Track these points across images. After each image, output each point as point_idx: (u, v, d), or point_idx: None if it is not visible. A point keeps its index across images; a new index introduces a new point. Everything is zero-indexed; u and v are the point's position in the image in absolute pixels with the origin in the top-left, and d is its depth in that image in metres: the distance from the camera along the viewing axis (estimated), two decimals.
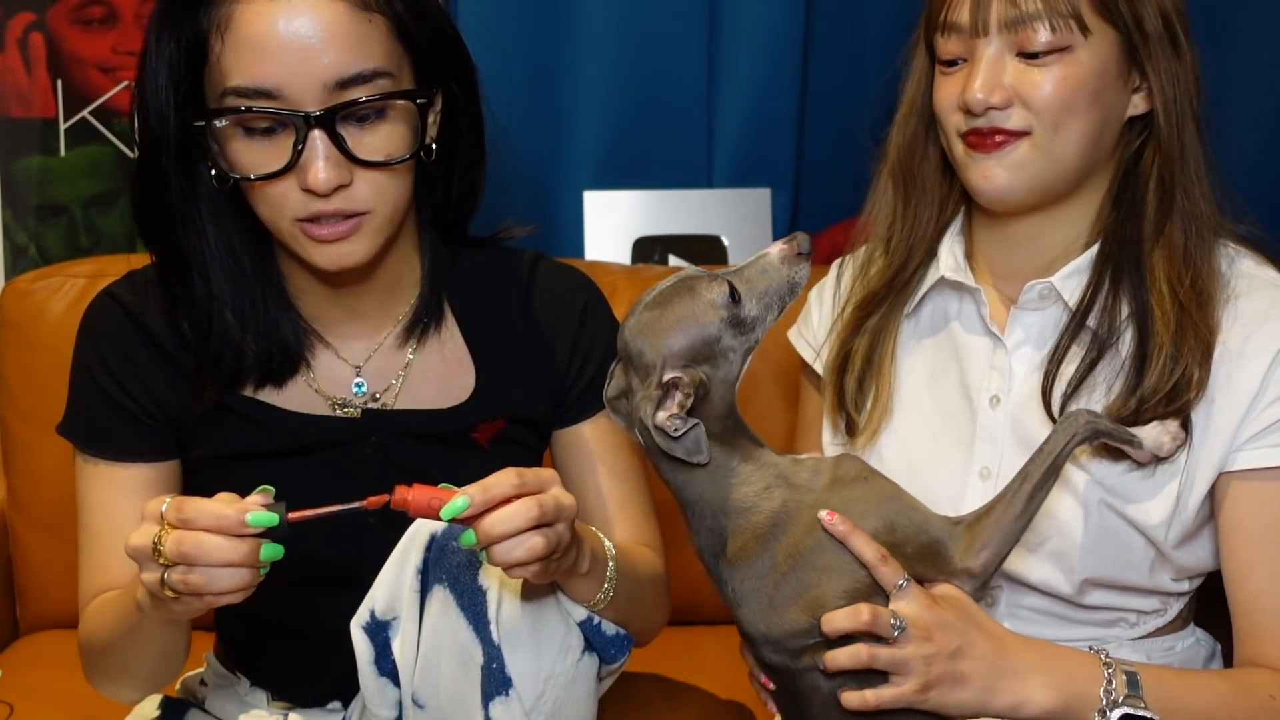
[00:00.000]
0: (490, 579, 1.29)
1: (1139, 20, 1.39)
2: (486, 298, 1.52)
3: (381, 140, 1.34)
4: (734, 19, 2.19)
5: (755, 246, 2.01)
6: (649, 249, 2.26)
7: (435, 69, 1.39)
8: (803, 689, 1.29)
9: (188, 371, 1.42)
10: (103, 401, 1.44)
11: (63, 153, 2.28)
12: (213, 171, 1.35)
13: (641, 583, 1.44)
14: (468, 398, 1.48)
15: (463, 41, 1.44)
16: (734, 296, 1.25)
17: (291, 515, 1.16)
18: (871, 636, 1.24)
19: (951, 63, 1.43)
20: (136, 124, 1.39)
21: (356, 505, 1.17)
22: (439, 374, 1.49)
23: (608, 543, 1.38)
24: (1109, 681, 1.30)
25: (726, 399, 1.27)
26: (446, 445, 1.46)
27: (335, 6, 1.30)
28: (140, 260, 1.49)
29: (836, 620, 1.23)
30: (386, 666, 1.33)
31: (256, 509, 1.16)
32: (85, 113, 2.27)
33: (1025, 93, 1.38)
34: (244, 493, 1.20)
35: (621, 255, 2.25)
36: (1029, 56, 1.38)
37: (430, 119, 1.39)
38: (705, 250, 2.24)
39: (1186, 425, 1.38)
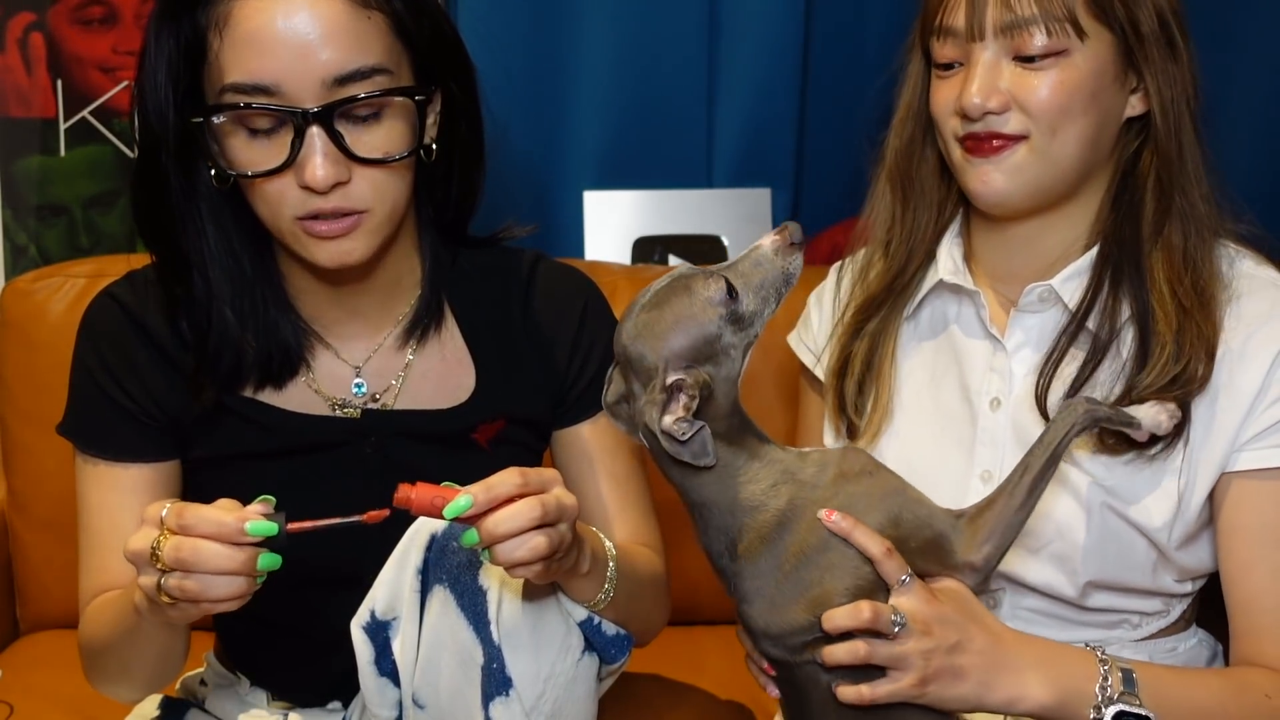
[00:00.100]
0: (490, 579, 1.29)
1: (1135, 22, 1.39)
2: (486, 298, 1.52)
3: (380, 138, 1.33)
4: (734, 19, 2.19)
5: None
6: (649, 249, 2.25)
7: (434, 67, 1.39)
8: (802, 681, 1.29)
9: (188, 372, 1.42)
10: (103, 401, 1.43)
11: (63, 153, 2.27)
12: (212, 170, 1.35)
13: (642, 583, 1.44)
14: (467, 398, 1.48)
15: (461, 40, 1.44)
16: (731, 292, 1.23)
17: (291, 526, 1.16)
18: (871, 633, 1.24)
19: (948, 66, 1.43)
20: (136, 123, 1.39)
21: (356, 519, 1.17)
22: (439, 374, 1.48)
23: (608, 543, 1.38)
24: (1105, 678, 1.30)
25: (730, 397, 1.25)
26: (446, 446, 1.46)
27: (334, 3, 1.30)
28: (140, 260, 1.49)
29: (838, 618, 1.23)
30: (387, 666, 1.33)
31: (256, 518, 1.15)
32: (85, 113, 2.27)
33: (1022, 97, 1.38)
34: (244, 493, 1.20)
35: (621, 255, 2.25)
36: (1025, 60, 1.38)
37: (429, 118, 1.39)
38: (705, 250, 2.24)
39: (1185, 410, 1.37)
